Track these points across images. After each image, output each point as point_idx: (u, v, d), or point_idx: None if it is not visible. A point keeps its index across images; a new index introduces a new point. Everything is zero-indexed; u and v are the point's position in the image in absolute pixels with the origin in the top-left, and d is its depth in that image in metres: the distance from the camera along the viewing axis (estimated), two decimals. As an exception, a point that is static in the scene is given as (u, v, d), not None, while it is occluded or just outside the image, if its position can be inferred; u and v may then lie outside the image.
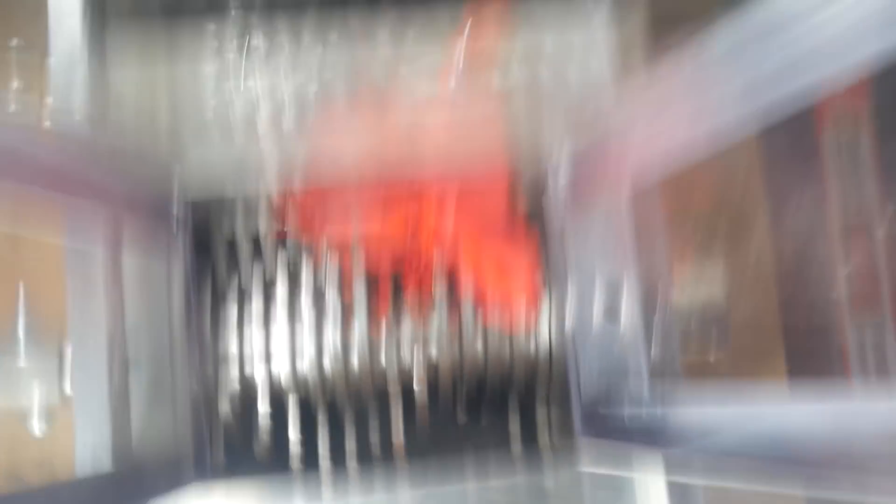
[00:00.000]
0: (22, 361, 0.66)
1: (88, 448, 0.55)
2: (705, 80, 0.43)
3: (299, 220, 0.67)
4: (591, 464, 0.57)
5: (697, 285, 0.68)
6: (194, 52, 0.77)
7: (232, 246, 0.70)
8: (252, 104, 0.62)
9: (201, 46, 0.77)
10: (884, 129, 0.85)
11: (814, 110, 0.87)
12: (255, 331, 0.67)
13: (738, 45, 0.40)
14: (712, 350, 0.67)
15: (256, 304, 0.68)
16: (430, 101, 0.63)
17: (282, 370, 0.68)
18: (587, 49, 0.65)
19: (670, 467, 0.48)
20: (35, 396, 0.65)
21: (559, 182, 0.63)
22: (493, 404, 0.71)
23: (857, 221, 0.87)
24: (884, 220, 0.82)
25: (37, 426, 0.66)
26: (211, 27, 0.73)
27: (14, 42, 0.76)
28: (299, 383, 0.68)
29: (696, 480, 0.46)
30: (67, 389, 0.64)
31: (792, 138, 0.86)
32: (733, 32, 0.40)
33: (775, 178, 0.84)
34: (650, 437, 0.52)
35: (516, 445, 0.71)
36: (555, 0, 0.72)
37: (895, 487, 0.34)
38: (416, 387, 0.68)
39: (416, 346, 0.68)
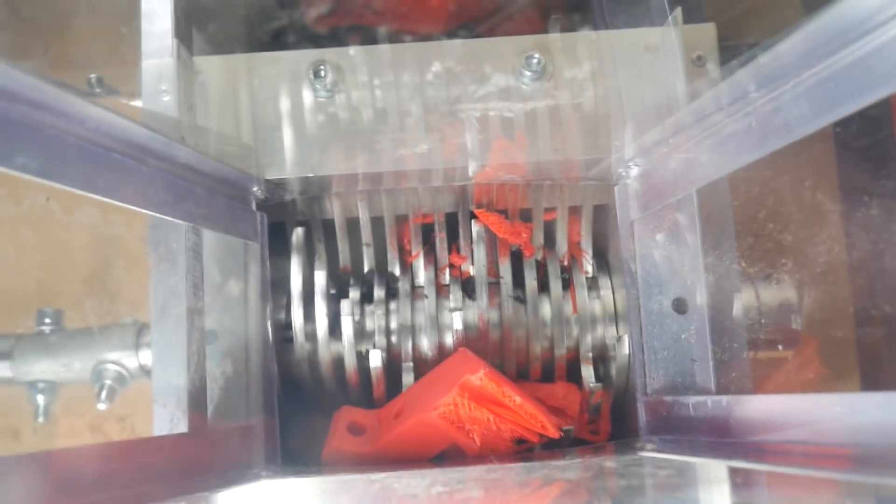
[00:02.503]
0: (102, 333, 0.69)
1: (166, 417, 0.57)
2: (773, 82, 0.43)
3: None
4: (654, 449, 0.57)
5: (766, 280, 0.67)
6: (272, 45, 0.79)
7: (307, 226, 0.72)
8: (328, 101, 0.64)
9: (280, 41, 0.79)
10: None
11: (891, 111, 0.85)
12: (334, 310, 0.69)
13: (809, 49, 0.40)
14: (779, 347, 0.66)
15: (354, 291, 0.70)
16: (501, 93, 0.64)
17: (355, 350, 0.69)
18: (659, 46, 0.65)
19: (734, 454, 0.48)
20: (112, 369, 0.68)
21: (630, 173, 0.63)
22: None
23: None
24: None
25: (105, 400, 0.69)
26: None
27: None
28: (363, 366, 0.69)
29: (760, 466, 0.46)
30: (145, 360, 0.67)
31: (869, 137, 0.84)
32: (804, 38, 0.40)
33: (850, 177, 0.82)
34: (715, 426, 0.52)
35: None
36: (626, 0, 0.72)
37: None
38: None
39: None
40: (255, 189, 0.63)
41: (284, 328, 0.71)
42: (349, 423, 0.65)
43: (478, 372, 0.60)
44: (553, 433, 0.62)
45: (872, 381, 0.85)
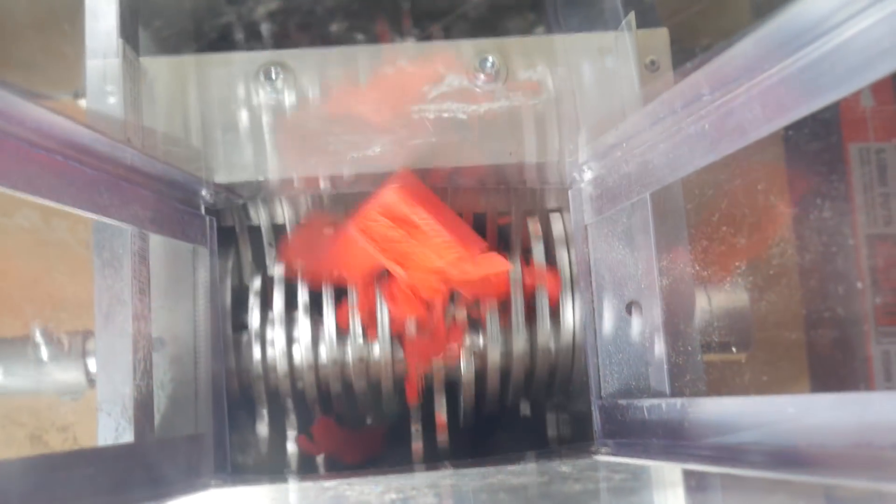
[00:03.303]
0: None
1: (111, 426, 0.55)
2: (726, 86, 0.43)
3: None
4: (609, 453, 0.57)
5: (720, 284, 0.67)
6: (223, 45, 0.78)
7: (256, 231, 0.71)
8: (278, 99, 0.63)
9: (230, 40, 0.78)
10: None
11: (840, 117, 0.87)
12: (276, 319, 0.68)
13: (761, 54, 0.40)
14: (733, 350, 0.67)
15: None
16: (455, 95, 0.63)
17: (304, 358, 0.68)
18: (612, 49, 0.65)
19: (688, 457, 0.48)
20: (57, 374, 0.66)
21: (584, 177, 0.63)
22: (515, 395, 0.71)
23: (884, 231, 0.87)
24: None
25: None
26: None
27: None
28: (320, 374, 0.68)
29: (714, 469, 0.46)
30: (91, 367, 0.65)
31: (819, 141, 0.85)
32: (756, 43, 0.40)
33: (800, 181, 0.83)
34: (669, 429, 0.52)
35: (534, 433, 0.71)
36: (580, 4, 0.72)
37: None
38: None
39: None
40: (203, 192, 0.62)
41: (235, 333, 0.69)
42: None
43: (392, 185, 0.56)
44: (474, 261, 0.58)
45: (822, 382, 0.86)
